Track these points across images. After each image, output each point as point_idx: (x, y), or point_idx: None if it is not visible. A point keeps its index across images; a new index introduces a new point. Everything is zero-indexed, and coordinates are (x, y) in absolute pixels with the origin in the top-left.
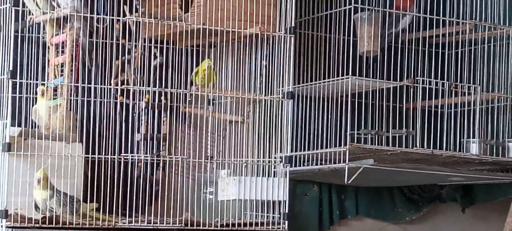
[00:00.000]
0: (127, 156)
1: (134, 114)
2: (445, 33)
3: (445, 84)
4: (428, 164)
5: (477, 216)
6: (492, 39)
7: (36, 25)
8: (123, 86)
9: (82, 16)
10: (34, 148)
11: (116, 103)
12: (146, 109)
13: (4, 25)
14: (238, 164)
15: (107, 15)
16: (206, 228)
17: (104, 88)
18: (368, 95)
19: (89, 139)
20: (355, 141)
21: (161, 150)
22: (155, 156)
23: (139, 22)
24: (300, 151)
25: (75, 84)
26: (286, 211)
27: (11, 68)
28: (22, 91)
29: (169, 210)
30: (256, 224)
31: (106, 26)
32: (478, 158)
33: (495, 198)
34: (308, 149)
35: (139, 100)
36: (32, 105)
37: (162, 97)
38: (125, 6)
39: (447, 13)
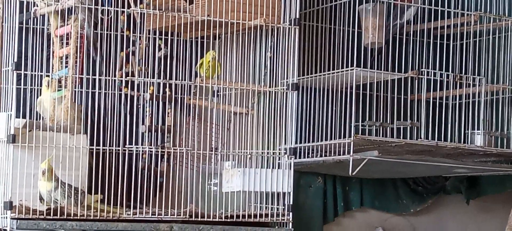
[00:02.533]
0: (131, 147)
1: (139, 106)
2: (449, 24)
3: (449, 76)
4: (432, 155)
5: (482, 208)
6: (497, 30)
7: (41, 16)
8: (127, 78)
9: (86, 8)
10: (39, 140)
11: (120, 95)
12: (150, 101)
13: (8, 16)
14: (242, 156)
15: (111, 6)
16: (211, 219)
17: (109, 80)
18: (373, 87)
19: (93, 130)
20: (360, 133)
21: (165, 141)
22: (160, 148)
23: (144, 13)
24: (305, 142)
25: (80, 76)
26: (291, 202)
27: (15, 60)
28: (26, 83)
29: (174, 201)
30: (261, 215)
31: (111, 18)
32: (482, 149)
33: (500, 190)
34: (313, 141)
35: (144, 92)
36: (37, 97)
37: (167, 89)
38: None
39: (452, 4)
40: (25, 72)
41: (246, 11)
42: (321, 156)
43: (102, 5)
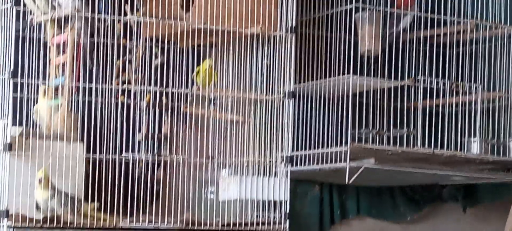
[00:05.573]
0: (128, 155)
1: (135, 114)
2: (446, 32)
3: (446, 83)
4: (429, 163)
5: (478, 216)
6: (493, 38)
7: (37, 25)
8: (124, 86)
9: (83, 16)
10: (35, 148)
11: (117, 103)
12: (147, 109)
13: (5, 25)
14: (239, 164)
15: (108, 15)
16: (207, 228)
17: (105, 88)
18: (369, 95)
19: (90, 138)
20: (356, 141)
21: (162, 149)
22: (156, 156)
23: (140, 21)
24: (301, 150)
25: (76, 84)
26: (287, 211)
27: (12, 68)
28: (23, 91)
29: (170, 210)
30: (257, 224)
31: (107, 26)
32: (479, 157)
33: (497, 198)
34: (309, 149)
35: (140, 100)
36: (33, 105)
37: (163, 97)
38: (126, 5)
39: (448, 12)
40: (22, 80)
41: (242, 19)
42: (317, 164)
43: (99, 13)
